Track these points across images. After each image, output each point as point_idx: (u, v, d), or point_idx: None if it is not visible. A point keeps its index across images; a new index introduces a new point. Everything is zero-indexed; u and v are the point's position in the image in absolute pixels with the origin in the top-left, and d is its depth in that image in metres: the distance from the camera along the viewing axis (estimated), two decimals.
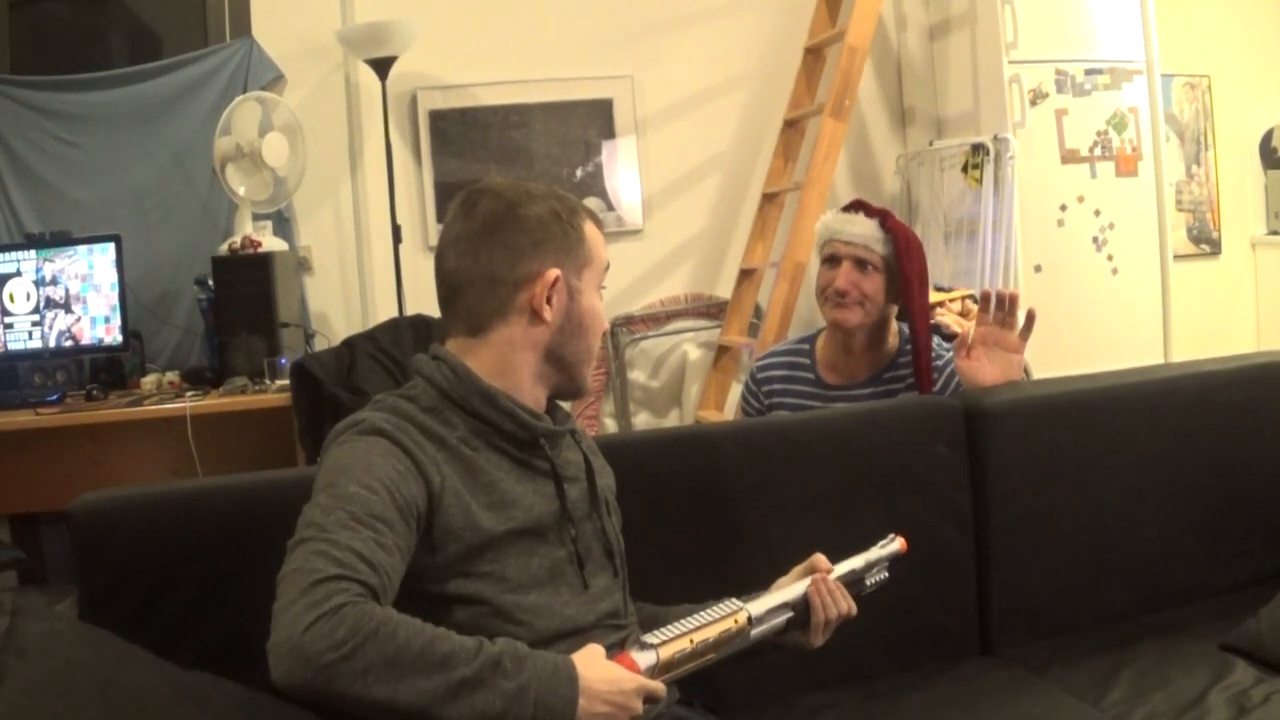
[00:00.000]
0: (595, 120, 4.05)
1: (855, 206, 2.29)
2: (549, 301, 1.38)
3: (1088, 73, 3.78)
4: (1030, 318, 2.11)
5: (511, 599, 1.30)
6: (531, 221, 1.38)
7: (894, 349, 2.30)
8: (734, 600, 1.33)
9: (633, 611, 1.48)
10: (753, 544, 1.81)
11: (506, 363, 1.39)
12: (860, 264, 2.22)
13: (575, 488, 1.43)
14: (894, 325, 2.32)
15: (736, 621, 1.29)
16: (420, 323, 3.24)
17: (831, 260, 2.26)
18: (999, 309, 2.09)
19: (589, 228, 1.43)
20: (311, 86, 3.83)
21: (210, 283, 3.41)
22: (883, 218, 2.25)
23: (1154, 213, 3.88)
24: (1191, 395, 2.16)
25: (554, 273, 1.39)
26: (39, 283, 3.42)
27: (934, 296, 2.97)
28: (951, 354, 2.22)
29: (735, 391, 3.79)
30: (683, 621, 1.28)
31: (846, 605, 1.43)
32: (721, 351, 3.93)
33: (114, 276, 3.41)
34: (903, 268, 2.22)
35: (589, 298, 1.42)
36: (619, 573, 1.46)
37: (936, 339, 2.32)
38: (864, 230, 2.23)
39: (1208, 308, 4.45)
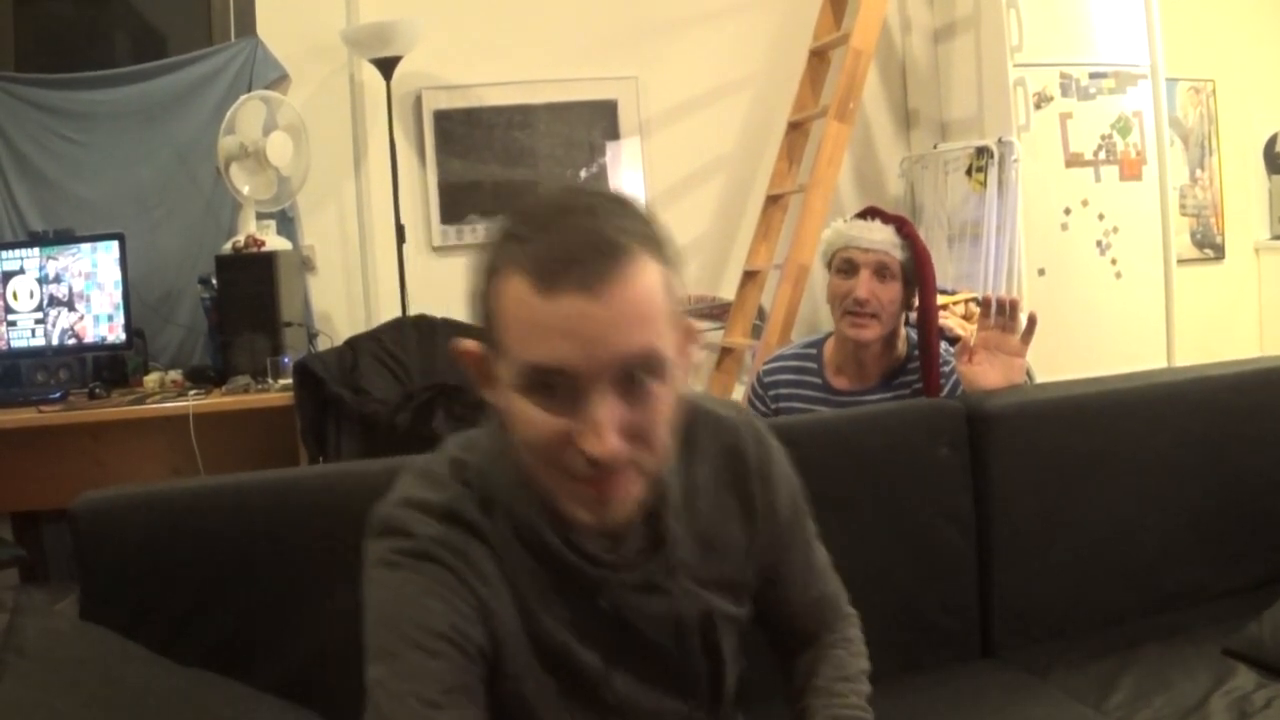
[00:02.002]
0: (599, 121, 4.05)
1: (870, 213, 2.24)
2: (484, 380, 1.05)
3: (1092, 76, 3.78)
4: (1032, 321, 2.11)
5: None
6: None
7: (903, 355, 2.28)
8: None
9: (729, 702, 1.24)
10: None
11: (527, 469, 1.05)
12: (880, 271, 2.17)
13: (645, 630, 1.12)
14: (903, 332, 2.30)
15: None
16: (423, 323, 3.25)
17: (847, 268, 2.20)
18: (1000, 314, 2.09)
19: (508, 296, 0.96)
20: (316, 86, 3.83)
21: (213, 281, 3.41)
22: (899, 224, 2.21)
23: (1158, 217, 3.88)
24: (1194, 399, 2.15)
25: (469, 343, 1.05)
26: (42, 280, 3.42)
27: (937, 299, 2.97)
28: (954, 359, 2.21)
29: (738, 393, 3.79)
30: None
31: None
32: (724, 353, 3.92)
33: (117, 275, 3.41)
34: (921, 274, 2.19)
35: (511, 399, 0.99)
36: (708, 692, 1.19)
37: (942, 344, 2.31)
38: (883, 236, 2.18)
39: (1211, 312, 4.44)
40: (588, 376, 0.94)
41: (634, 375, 0.96)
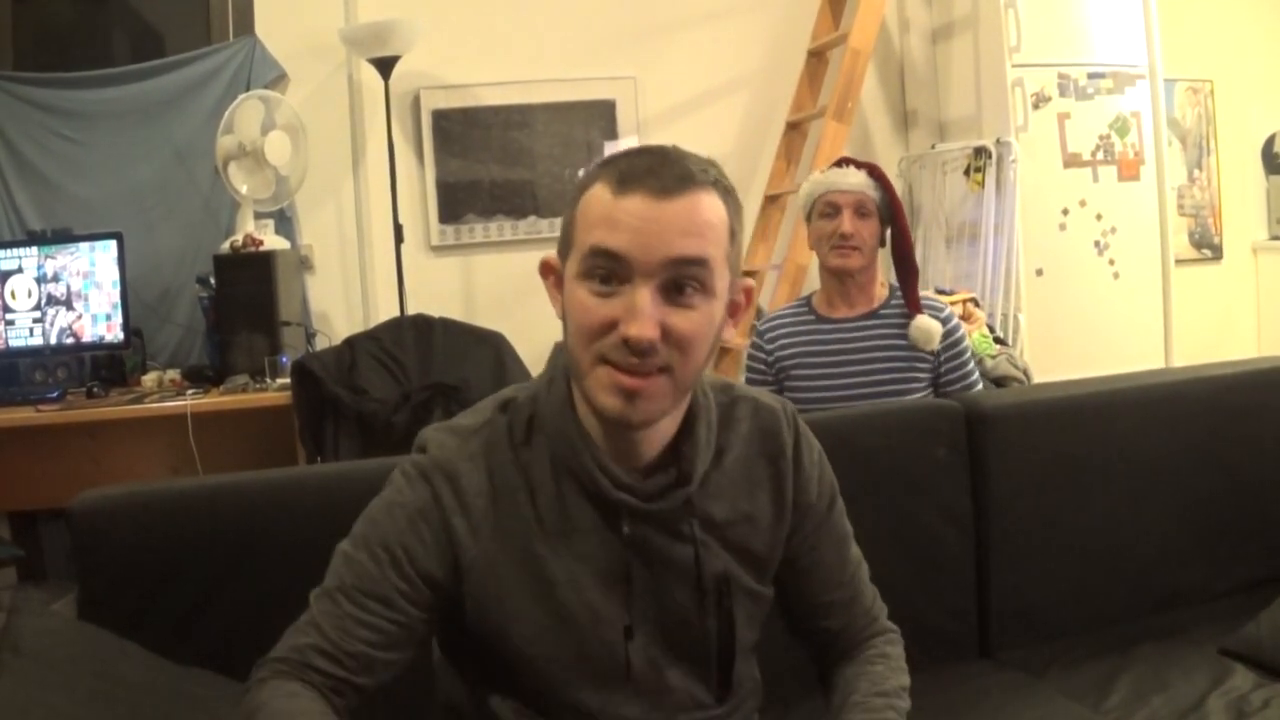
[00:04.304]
0: (598, 121, 4.05)
1: (844, 162, 2.48)
2: (555, 292, 1.16)
3: (1090, 77, 3.78)
4: None
5: (560, 698, 1.17)
6: None
7: (883, 298, 2.47)
8: None
9: (743, 687, 1.27)
10: None
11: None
12: (859, 210, 2.41)
13: (664, 577, 1.18)
14: (881, 276, 2.51)
15: None
16: (422, 322, 3.25)
17: (830, 211, 2.43)
18: None
19: (587, 196, 1.11)
20: (314, 85, 3.83)
21: (212, 281, 3.41)
22: (870, 169, 2.45)
23: (1155, 217, 3.88)
24: (1192, 400, 2.16)
25: (550, 256, 1.18)
26: (40, 279, 3.42)
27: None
28: (950, 312, 2.45)
29: None
30: None
31: None
32: (723, 353, 3.92)
33: (115, 274, 3.41)
34: (894, 209, 2.44)
35: (571, 288, 1.10)
36: (715, 663, 1.22)
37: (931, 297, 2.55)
38: (859, 180, 2.42)
39: (1209, 312, 4.45)
40: (640, 268, 1.06)
41: (681, 284, 1.07)
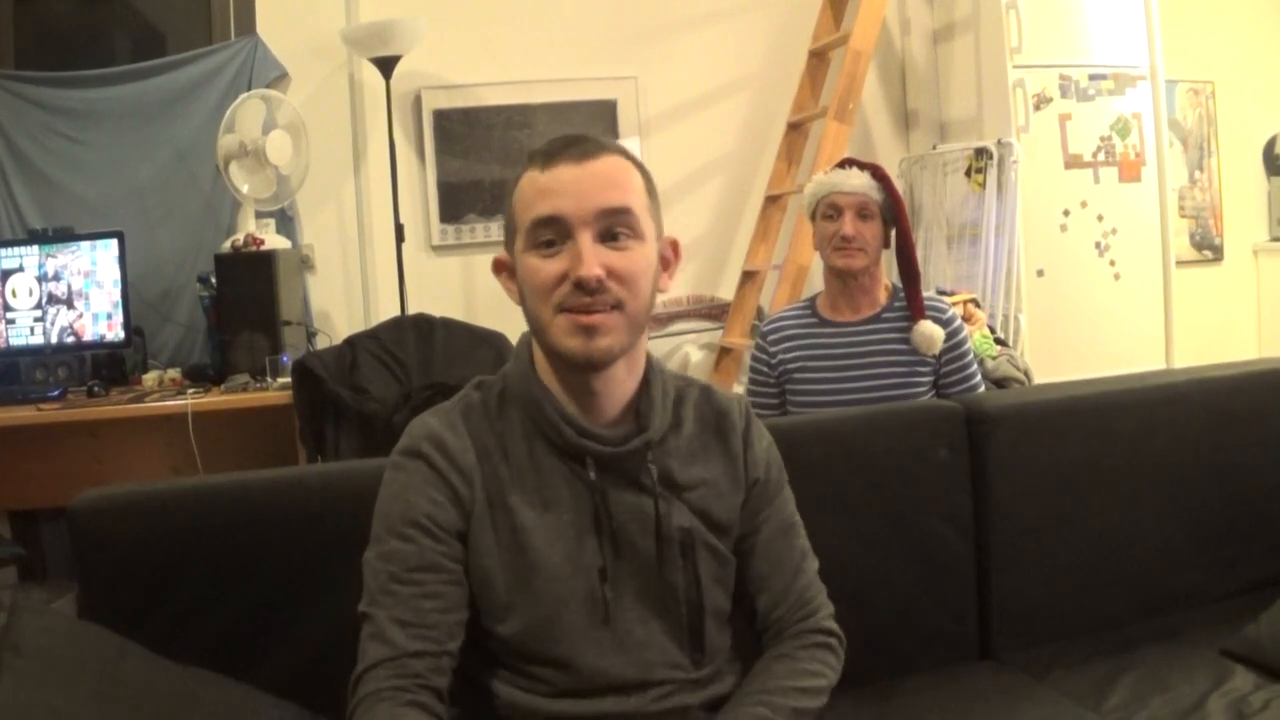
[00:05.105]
0: (599, 121, 4.05)
1: (847, 163, 2.48)
2: (509, 283, 1.31)
3: (1091, 78, 3.78)
4: None
5: (537, 648, 1.25)
6: None
7: (886, 301, 2.46)
8: None
9: (718, 655, 1.34)
10: None
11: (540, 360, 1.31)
12: (862, 212, 2.40)
13: (630, 527, 1.28)
14: (885, 281, 2.49)
15: None
16: (423, 321, 3.25)
17: (832, 213, 2.43)
18: None
19: (520, 184, 1.27)
20: (316, 85, 3.83)
21: (213, 280, 3.41)
22: (874, 170, 2.44)
23: (1157, 218, 3.89)
24: (1193, 401, 2.15)
25: (498, 259, 1.33)
26: (42, 278, 3.42)
27: None
28: (953, 313, 2.44)
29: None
30: None
31: None
32: (723, 353, 3.92)
33: (116, 273, 3.41)
34: (897, 211, 2.44)
35: (522, 261, 1.25)
36: (686, 620, 1.30)
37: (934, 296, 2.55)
38: (861, 182, 2.41)
39: (1210, 314, 4.45)
40: (577, 222, 1.21)
41: (615, 231, 1.23)
